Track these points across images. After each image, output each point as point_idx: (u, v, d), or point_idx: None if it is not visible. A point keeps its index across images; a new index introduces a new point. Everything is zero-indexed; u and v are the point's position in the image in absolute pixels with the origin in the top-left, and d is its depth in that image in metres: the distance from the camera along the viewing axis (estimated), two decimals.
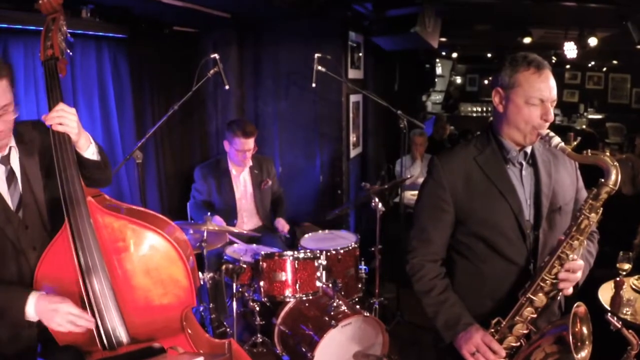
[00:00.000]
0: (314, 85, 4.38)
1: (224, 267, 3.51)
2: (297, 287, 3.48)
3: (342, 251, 3.80)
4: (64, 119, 1.90)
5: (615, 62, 12.10)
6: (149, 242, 2.00)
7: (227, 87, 4.10)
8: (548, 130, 1.93)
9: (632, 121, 11.51)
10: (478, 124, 11.36)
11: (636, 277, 3.32)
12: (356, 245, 3.93)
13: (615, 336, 2.03)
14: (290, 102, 5.16)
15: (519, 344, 1.95)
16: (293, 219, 4.74)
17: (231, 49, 5.06)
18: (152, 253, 2.00)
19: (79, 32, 3.58)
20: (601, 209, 1.86)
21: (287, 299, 3.53)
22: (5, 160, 2.01)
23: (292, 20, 4.90)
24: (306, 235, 4.22)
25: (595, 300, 3.11)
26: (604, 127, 11.80)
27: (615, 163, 1.82)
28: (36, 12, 2.04)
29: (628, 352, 2.03)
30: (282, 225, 4.28)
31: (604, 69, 12.89)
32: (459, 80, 14.78)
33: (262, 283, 3.47)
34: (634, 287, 3.26)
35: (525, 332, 1.94)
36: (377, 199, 4.06)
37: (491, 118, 2.13)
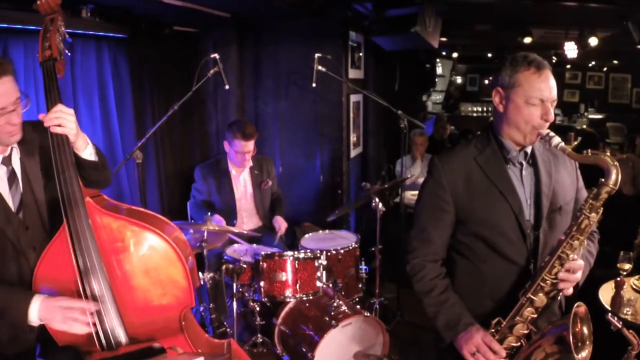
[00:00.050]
0: (314, 85, 4.37)
1: (224, 267, 3.50)
2: (298, 287, 3.47)
3: (342, 251, 3.79)
4: (62, 119, 1.90)
5: (615, 62, 12.09)
6: (147, 242, 2.00)
7: (227, 87, 4.10)
8: (548, 130, 1.93)
9: (632, 121, 11.51)
10: (478, 124, 11.36)
11: (637, 277, 3.32)
12: (356, 245, 3.92)
13: (615, 336, 2.02)
14: (290, 102, 5.15)
15: (519, 344, 1.95)
16: (293, 219, 4.74)
17: (231, 48, 5.06)
18: (150, 253, 2.00)
19: (79, 32, 3.58)
20: (601, 208, 1.86)
21: (288, 299, 3.53)
22: (7, 161, 2.01)
23: (292, 20, 4.90)
24: (306, 235, 4.22)
25: (595, 300, 3.11)
26: (604, 127, 11.80)
27: (616, 163, 1.81)
28: (36, 12, 2.04)
29: (628, 352, 2.03)
30: (280, 223, 4.27)
31: (605, 68, 12.89)
32: (459, 80, 14.77)
33: (262, 283, 3.47)
34: (634, 287, 3.25)
35: (526, 332, 1.94)
36: (377, 199, 4.05)
37: (491, 118, 2.13)
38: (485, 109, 13.40)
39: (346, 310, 3.41)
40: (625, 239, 3.74)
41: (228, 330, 3.71)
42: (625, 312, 3.03)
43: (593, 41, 6.78)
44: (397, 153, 5.10)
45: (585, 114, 13.12)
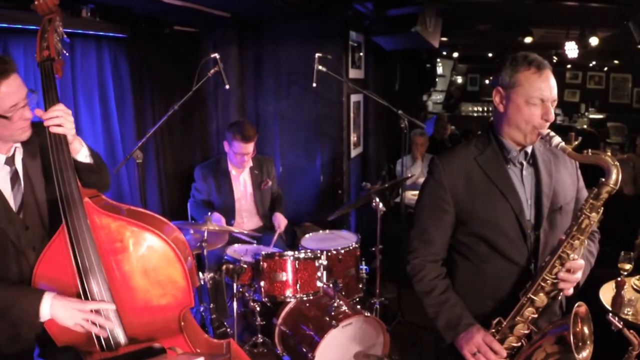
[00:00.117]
0: (314, 85, 4.37)
1: (224, 267, 3.50)
2: (298, 287, 3.47)
3: (342, 251, 3.79)
4: (62, 119, 1.91)
5: (616, 61, 12.10)
6: (146, 242, 1.99)
7: (227, 86, 4.10)
8: (548, 130, 1.93)
9: (633, 121, 11.51)
10: (479, 124, 11.36)
11: (637, 277, 3.31)
12: (357, 245, 3.92)
13: (616, 336, 2.02)
14: (290, 102, 5.15)
15: (520, 344, 1.95)
16: (293, 219, 4.74)
17: (231, 48, 5.05)
18: (149, 254, 2.00)
19: (79, 31, 3.58)
20: (602, 208, 1.85)
21: (288, 299, 3.52)
22: (10, 161, 2.02)
23: (293, 19, 4.89)
24: (307, 235, 4.21)
25: (596, 301, 3.10)
26: (605, 127, 11.79)
27: (616, 162, 1.81)
28: (35, 11, 2.04)
29: (629, 352, 2.03)
30: (279, 220, 4.26)
31: (605, 68, 12.89)
32: (459, 80, 14.77)
33: (262, 283, 3.46)
34: (635, 287, 3.25)
35: (526, 332, 1.93)
36: (377, 199, 4.05)
37: (492, 118, 2.13)
38: (485, 108, 13.40)
39: (346, 311, 3.40)
40: (626, 239, 3.73)
41: (228, 330, 3.70)
42: (626, 312, 3.02)
43: (594, 41, 6.78)
44: (398, 153, 5.09)
45: (586, 113, 13.12)
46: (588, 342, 1.85)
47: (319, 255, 3.57)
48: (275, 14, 4.80)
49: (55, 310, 1.85)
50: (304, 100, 5.08)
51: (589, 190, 1.90)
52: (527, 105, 1.91)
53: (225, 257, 3.72)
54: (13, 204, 2.00)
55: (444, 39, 7.49)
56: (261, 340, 3.68)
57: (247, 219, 4.38)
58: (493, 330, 1.95)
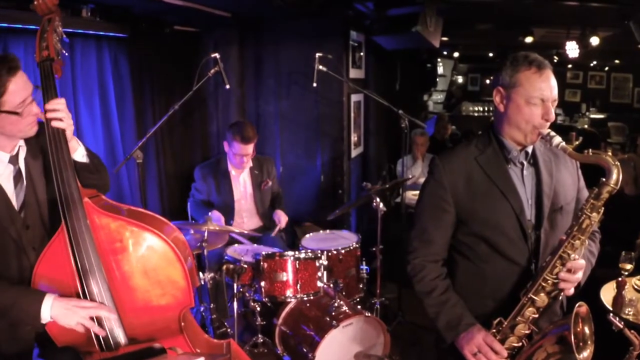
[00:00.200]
0: (315, 84, 4.37)
1: (224, 267, 3.50)
2: (298, 287, 3.46)
3: (343, 251, 3.78)
4: (62, 112, 1.93)
5: (617, 61, 12.09)
6: (146, 243, 1.99)
7: (227, 86, 4.10)
8: (549, 130, 1.92)
9: (634, 121, 11.51)
10: (479, 124, 11.34)
11: (638, 277, 3.30)
12: (357, 245, 3.91)
13: (617, 336, 2.02)
14: (291, 102, 5.15)
15: (520, 344, 1.95)
16: (294, 219, 4.73)
17: (232, 48, 5.05)
18: (149, 254, 1.99)
19: (79, 31, 3.58)
20: (603, 208, 1.85)
21: (288, 299, 3.52)
22: (14, 159, 2.03)
23: (293, 19, 4.89)
24: (307, 235, 4.21)
25: (597, 301, 3.10)
26: (606, 126, 11.79)
27: (617, 162, 1.81)
28: (35, 11, 2.04)
29: (630, 352, 2.03)
30: (280, 216, 4.26)
31: (606, 68, 12.89)
32: (460, 79, 14.77)
33: (263, 283, 3.46)
34: (636, 287, 3.24)
35: (527, 332, 1.93)
36: (378, 199, 4.05)
37: (492, 118, 2.13)
38: (486, 108, 13.39)
39: (347, 311, 3.40)
40: (627, 239, 3.72)
41: (228, 330, 3.70)
42: (626, 312, 3.02)
43: (594, 41, 6.77)
44: (398, 153, 5.09)
45: (587, 113, 13.12)
46: (589, 342, 1.85)
47: (319, 255, 3.56)
48: (276, 13, 4.80)
49: (56, 311, 1.85)
50: (305, 100, 5.08)
51: (589, 190, 1.89)
52: (527, 105, 1.91)
53: (226, 257, 3.72)
54: (15, 202, 2.01)
55: (445, 38, 7.49)
56: (261, 340, 3.68)
57: (247, 219, 4.38)
58: (494, 331, 1.94)
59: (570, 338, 1.72)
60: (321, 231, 4.33)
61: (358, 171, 5.96)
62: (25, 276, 1.99)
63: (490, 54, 12.11)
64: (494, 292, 2.04)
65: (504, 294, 2.02)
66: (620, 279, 3.12)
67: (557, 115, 1.99)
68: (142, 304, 2.01)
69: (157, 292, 2.02)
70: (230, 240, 3.96)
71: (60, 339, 1.97)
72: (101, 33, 3.80)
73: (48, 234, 2.05)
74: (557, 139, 1.88)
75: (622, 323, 2.00)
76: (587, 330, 1.85)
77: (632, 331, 2.00)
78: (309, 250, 3.69)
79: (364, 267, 3.96)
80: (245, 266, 3.51)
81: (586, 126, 11.79)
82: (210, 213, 3.88)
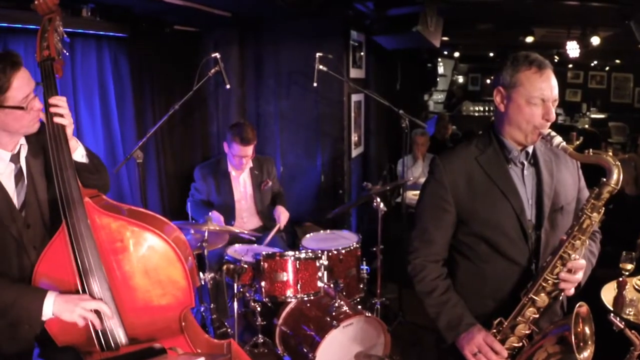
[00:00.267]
0: (315, 84, 4.37)
1: (225, 267, 3.50)
2: (299, 287, 3.46)
3: (343, 251, 3.78)
4: (64, 109, 1.93)
5: (618, 61, 12.08)
6: (147, 243, 1.99)
7: (228, 86, 4.10)
8: (550, 130, 1.92)
9: (634, 120, 11.50)
10: (480, 124, 11.34)
11: (639, 277, 3.30)
12: (358, 246, 3.91)
13: (617, 336, 2.01)
14: (291, 102, 5.15)
15: (521, 344, 1.95)
16: (294, 219, 4.73)
17: (232, 48, 5.05)
18: (150, 254, 1.99)
19: (80, 31, 3.58)
20: (603, 208, 1.85)
21: (289, 299, 3.52)
22: (15, 158, 2.03)
23: (294, 19, 4.89)
24: (307, 235, 4.20)
25: (598, 301, 3.09)
26: (606, 126, 11.79)
27: (617, 162, 1.80)
28: (35, 11, 2.04)
29: (631, 352, 2.02)
30: (280, 212, 4.25)
31: (607, 68, 12.87)
32: (461, 79, 14.76)
33: (263, 283, 3.45)
34: (636, 287, 3.24)
35: (528, 332, 1.93)
36: (378, 199, 4.05)
37: (493, 118, 2.13)
38: (487, 108, 13.38)
39: (347, 311, 3.40)
40: (628, 239, 3.72)
41: (229, 330, 3.70)
42: (627, 312, 3.01)
43: (595, 40, 6.76)
44: (399, 153, 5.09)
45: (588, 113, 13.11)
46: (589, 343, 1.84)
47: (319, 255, 3.56)
48: (276, 13, 4.80)
49: (58, 307, 1.85)
50: (305, 100, 5.08)
51: (590, 190, 1.89)
52: (528, 105, 1.91)
53: (226, 257, 3.72)
54: (16, 201, 2.01)
55: (445, 38, 7.49)
56: (262, 340, 3.68)
57: (247, 219, 4.37)
58: (494, 331, 1.94)
59: (570, 338, 1.72)
60: (321, 231, 4.33)
61: (358, 171, 5.96)
62: (26, 275, 1.99)
63: (491, 54, 12.11)
64: (495, 292, 2.04)
65: (505, 294, 2.01)
66: (620, 279, 3.12)
67: (557, 115, 1.99)
68: (143, 303, 2.00)
69: (157, 292, 2.02)
70: (231, 240, 3.95)
71: (60, 339, 1.97)
72: (101, 33, 3.80)
73: (49, 233, 2.05)
74: (558, 139, 1.88)
75: (623, 323, 1.99)
76: (587, 330, 1.85)
77: (633, 331, 2.00)
78: (310, 250, 3.69)
79: (365, 267, 3.96)
80: (246, 266, 3.51)
81: (587, 126, 11.78)
82: (210, 213, 3.87)
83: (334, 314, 3.37)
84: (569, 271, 1.86)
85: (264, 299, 3.49)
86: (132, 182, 4.09)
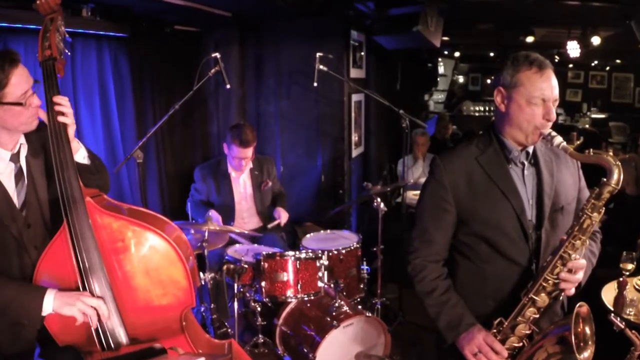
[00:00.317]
0: (315, 84, 4.37)
1: (225, 267, 3.50)
2: (299, 287, 3.46)
3: (344, 251, 3.78)
4: (66, 108, 1.93)
5: (618, 61, 12.07)
6: (148, 242, 1.99)
7: (228, 86, 4.10)
8: (550, 130, 1.92)
9: (635, 120, 11.50)
10: (480, 124, 11.33)
11: (639, 277, 3.30)
12: (358, 246, 3.91)
13: (618, 337, 2.01)
14: (291, 102, 5.15)
15: (521, 344, 1.94)
16: (294, 219, 4.73)
17: (232, 48, 5.05)
18: (151, 254, 1.99)
19: (80, 31, 3.58)
20: (604, 208, 1.84)
21: (289, 300, 3.52)
22: (15, 158, 2.03)
23: (294, 19, 4.89)
24: (308, 235, 4.20)
25: (598, 301, 3.09)
26: (607, 126, 11.78)
27: (618, 162, 1.80)
28: (36, 11, 2.04)
29: (631, 352, 2.02)
30: (280, 212, 4.25)
31: (607, 68, 12.86)
32: (461, 79, 14.75)
33: (263, 283, 3.45)
34: (637, 287, 3.23)
35: (528, 332, 1.93)
36: (379, 199, 4.05)
37: (493, 118, 2.12)
38: (487, 108, 13.37)
39: (348, 311, 3.40)
40: (628, 239, 3.72)
41: (229, 330, 3.70)
42: (628, 312, 3.01)
43: (596, 40, 6.76)
44: (399, 153, 5.09)
45: (588, 113, 13.10)
46: (590, 343, 1.84)
47: (320, 255, 3.56)
48: (277, 13, 4.80)
49: (58, 302, 1.85)
50: (305, 99, 5.08)
51: (590, 190, 1.89)
52: (528, 105, 1.90)
53: (226, 257, 3.72)
54: (16, 201, 2.01)
55: (446, 38, 7.48)
56: (262, 340, 3.68)
57: (247, 220, 4.37)
58: (494, 331, 1.94)
59: (571, 338, 1.72)
60: (322, 231, 4.33)
61: (359, 171, 5.96)
62: (26, 275, 1.99)
63: (491, 54, 12.10)
64: (495, 292, 2.04)
65: (505, 294, 2.01)
66: (621, 279, 3.11)
67: (558, 115, 1.99)
68: (144, 303, 2.00)
69: (158, 291, 2.02)
70: (231, 241, 3.95)
71: (61, 338, 1.97)
72: (101, 33, 3.80)
73: (49, 233, 2.04)
74: (558, 139, 1.88)
75: (623, 323, 1.99)
76: (588, 330, 1.85)
77: (633, 331, 2.00)
78: (310, 250, 3.69)
79: (365, 267, 3.96)
80: (246, 266, 3.51)
81: (587, 126, 11.77)
82: (209, 212, 3.87)
83: (334, 314, 3.37)
84: (570, 271, 1.86)
85: (264, 299, 3.49)
86: (132, 182, 4.09)
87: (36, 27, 3.09)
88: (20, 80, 1.89)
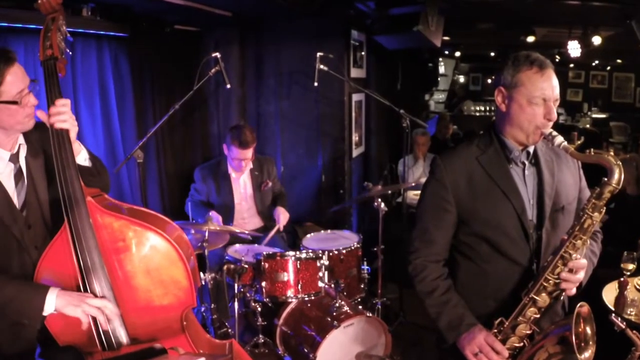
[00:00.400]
0: (316, 84, 4.37)
1: (225, 267, 3.50)
2: (299, 287, 3.46)
3: (344, 251, 3.78)
4: (66, 115, 1.92)
5: (619, 61, 12.06)
6: (149, 242, 1.98)
7: (228, 86, 4.10)
8: (551, 130, 1.91)
9: (636, 120, 11.49)
10: (481, 123, 11.33)
11: None
12: (358, 246, 3.91)
13: (619, 337, 2.01)
14: (292, 101, 5.15)
15: (522, 344, 1.94)
16: (295, 219, 4.73)
17: (233, 47, 5.05)
18: (152, 253, 1.98)
19: (80, 30, 3.57)
20: (604, 208, 1.84)
21: (289, 300, 3.51)
22: (14, 158, 2.02)
23: (294, 18, 4.89)
24: (308, 235, 4.20)
25: (599, 301, 3.09)
26: (607, 126, 11.78)
27: (618, 162, 1.80)
28: (37, 10, 2.04)
29: (632, 352, 2.02)
30: (280, 213, 4.24)
31: (608, 68, 12.86)
32: (462, 79, 14.75)
33: (263, 283, 3.45)
34: (638, 287, 3.23)
35: (529, 332, 1.93)
36: (379, 199, 4.04)
37: (494, 117, 2.12)
38: (488, 108, 13.37)
39: (348, 311, 3.40)
40: (629, 239, 3.71)
41: (229, 330, 3.70)
42: (629, 312, 3.01)
43: (596, 40, 6.75)
44: (400, 153, 5.09)
45: (589, 113, 13.10)
46: (590, 343, 1.84)
47: (320, 255, 3.56)
48: (277, 13, 4.80)
49: (61, 302, 1.84)
50: (305, 99, 5.08)
51: (591, 190, 1.89)
52: (529, 104, 1.90)
53: (227, 257, 3.71)
54: (17, 201, 2.00)
55: (446, 38, 7.48)
56: (262, 340, 3.67)
57: (248, 220, 4.37)
58: (495, 331, 1.94)
59: (571, 338, 1.72)
60: (322, 231, 4.33)
61: (359, 171, 5.96)
62: (27, 275, 1.98)
63: (492, 54, 12.09)
64: (496, 292, 2.04)
65: (506, 294, 2.01)
66: (622, 279, 3.11)
67: (559, 114, 1.98)
68: (145, 303, 2.00)
69: (159, 291, 2.01)
70: (231, 240, 3.95)
71: (62, 338, 1.97)
72: (101, 32, 3.80)
73: (50, 233, 2.04)
74: (559, 139, 1.87)
75: (624, 323, 2.00)
76: (588, 330, 1.85)
77: (634, 331, 2.00)
78: (310, 250, 3.69)
79: (365, 267, 3.96)
80: (246, 266, 3.51)
81: (588, 126, 11.76)
82: (209, 213, 3.87)
83: (334, 314, 3.36)
84: (570, 271, 1.86)
85: (265, 299, 3.49)
86: (133, 182, 4.09)
87: (36, 26, 3.10)
88: (15, 79, 1.88)
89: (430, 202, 2.10)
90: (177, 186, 4.71)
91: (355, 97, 5.38)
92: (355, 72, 5.35)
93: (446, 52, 11.56)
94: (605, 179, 1.82)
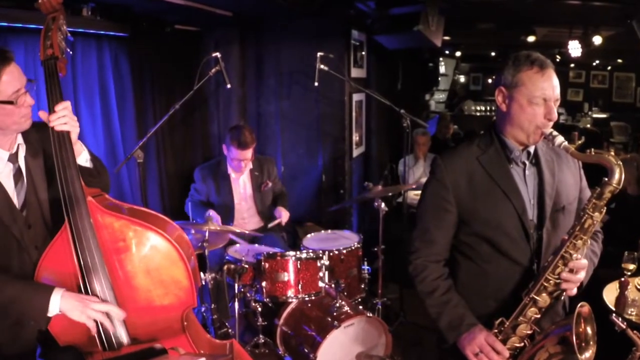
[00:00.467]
0: (316, 84, 4.37)
1: (225, 267, 3.49)
2: (300, 287, 3.46)
3: (344, 251, 3.78)
4: (67, 118, 1.92)
5: (620, 60, 12.04)
6: (149, 242, 1.98)
7: (228, 86, 4.10)
8: (551, 130, 1.91)
9: (636, 120, 11.48)
10: (482, 123, 11.32)
11: None
12: (359, 246, 3.91)
13: (619, 337, 2.01)
14: (292, 101, 5.14)
15: (522, 344, 1.94)
16: (295, 219, 4.73)
17: (233, 47, 5.05)
18: (152, 253, 1.98)
19: (80, 30, 3.58)
20: (605, 208, 1.84)
21: (290, 300, 3.51)
22: (14, 158, 2.02)
23: (295, 18, 4.89)
24: (308, 235, 4.20)
25: (600, 301, 3.09)
26: (608, 126, 11.77)
27: (619, 162, 1.80)
28: (37, 10, 2.04)
29: (633, 353, 2.02)
30: (281, 211, 4.25)
31: (609, 67, 12.84)
32: (462, 79, 14.74)
33: (264, 283, 3.45)
34: (639, 287, 3.23)
35: (529, 332, 1.93)
36: (380, 199, 4.04)
37: (494, 117, 2.12)
38: (488, 108, 13.36)
39: (348, 311, 3.39)
40: (630, 239, 3.71)
41: (230, 330, 3.69)
42: (629, 312, 3.00)
43: (597, 40, 6.75)
44: (400, 152, 5.09)
45: (589, 113, 13.08)
46: (591, 343, 1.84)
47: (320, 255, 3.55)
48: (277, 13, 4.80)
49: (66, 304, 1.83)
50: (306, 99, 5.07)
51: (592, 190, 1.89)
52: (530, 104, 1.90)
53: (227, 257, 3.71)
54: (16, 201, 2.00)
55: (447, 38, 7.48)
56: (263, 340, 3.67)
57: (248, 220, 4.37)
58: (495, 331, 1.94)
59: (572, 338, 1.72)
60: (322, 231, 4.33)
61: (359, 171, 5.96)
62: (27, 274, 1.98)
63: (493, 53, 12.08)
64: (496, 292, 2.03)
65: (506, 294, 2.01)
66: (623, 279, 3.11)
67: (559, 114, 1.98)
68: (145, 303, 2.00)
69: (160, 291, 2.01)
70: (231, 241, 3.95)
71: (62, 338, 1.96)
72: (102, 32, 3.80)
73: (50, 233, 2.04)
74: (560, 139, 1.87)
75: (625, 323, 1.99)
76: (589, 330, 1.84)
77: (635, 331, 1.99)
78: (311, 250, 3.69)
79: (366, 267, 3.96)
80: (247, 266, 3.50)
81: (588, 126, 11.75)
82: (209, 212, 3.86)
83: (335, 314, 3.36)
84: (571, 271, 1.86)
85: (265, 299, 3.49)
86: (133, 182, 4.09)
87: (36, 26, 3.10)
88: (12, 78, 1.88)
89: (431, 202, 2.10)
90: (177, 186, 4.71)
91: (356, 97, 5.38)
92: (355, 72, 5.35)
93: (447, 52, 11.56)
94: (606, 179, 1.81)
